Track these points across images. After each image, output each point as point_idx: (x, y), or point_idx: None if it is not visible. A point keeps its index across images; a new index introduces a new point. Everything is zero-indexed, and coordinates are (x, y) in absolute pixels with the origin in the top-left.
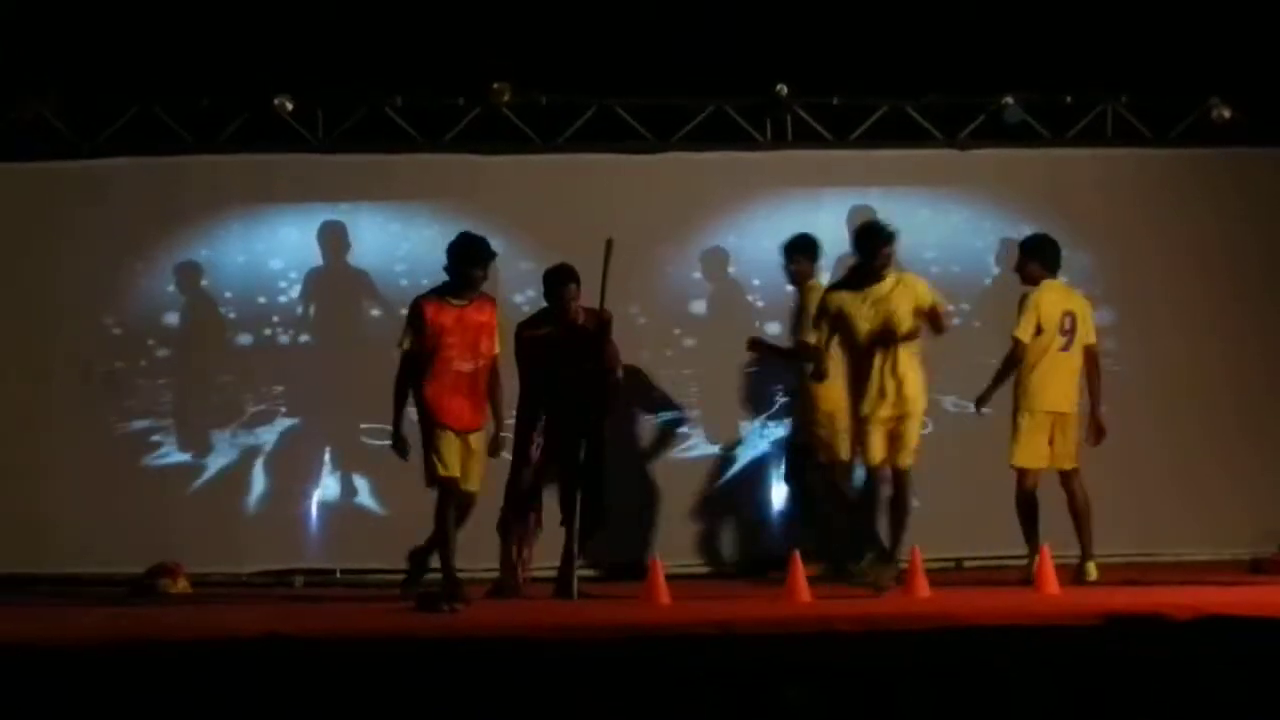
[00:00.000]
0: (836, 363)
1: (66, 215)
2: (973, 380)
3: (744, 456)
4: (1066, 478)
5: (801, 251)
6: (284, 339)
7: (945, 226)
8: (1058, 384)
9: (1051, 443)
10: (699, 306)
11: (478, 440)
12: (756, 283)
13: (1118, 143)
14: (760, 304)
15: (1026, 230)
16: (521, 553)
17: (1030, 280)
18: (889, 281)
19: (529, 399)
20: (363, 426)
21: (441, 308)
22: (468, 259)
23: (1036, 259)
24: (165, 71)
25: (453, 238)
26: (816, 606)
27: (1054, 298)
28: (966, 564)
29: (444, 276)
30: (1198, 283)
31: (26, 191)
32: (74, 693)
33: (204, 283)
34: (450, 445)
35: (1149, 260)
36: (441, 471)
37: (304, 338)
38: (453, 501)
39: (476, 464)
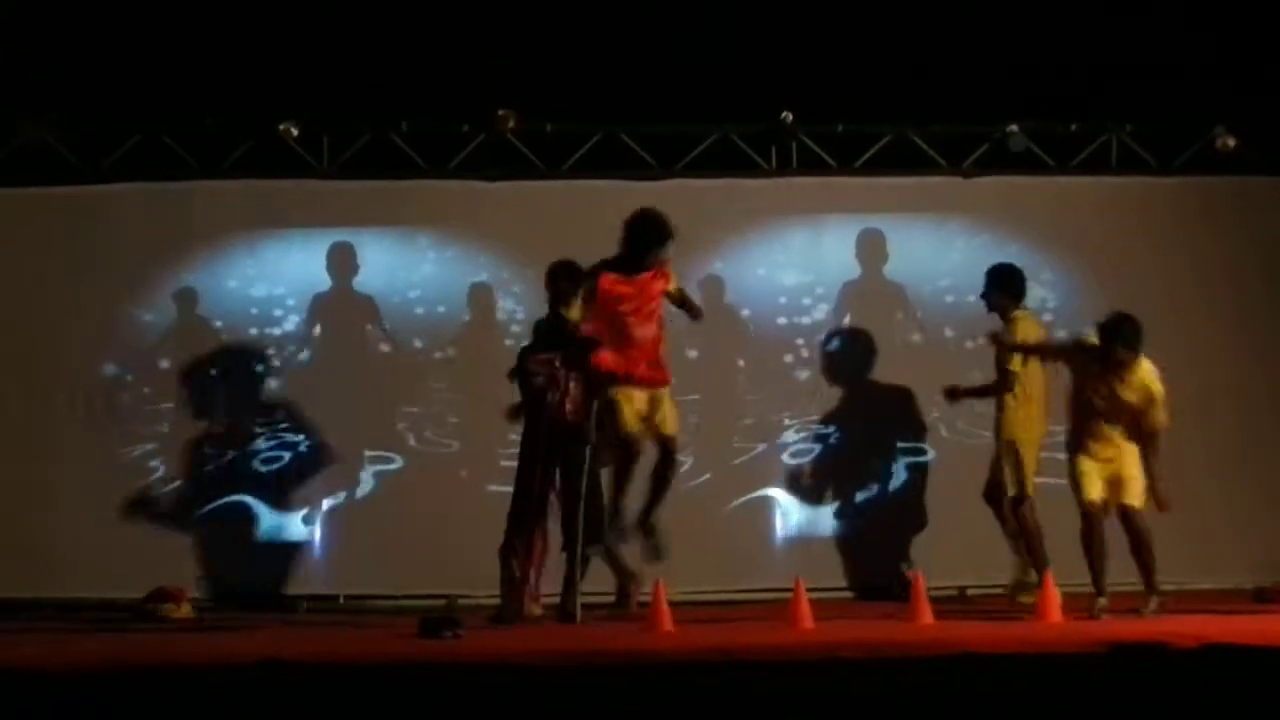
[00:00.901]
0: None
1: (71, 240)
2: (975, 408)
3: (745, 482)
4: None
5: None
6: (288, 364)
7: (950, 254)
8: None
9: None
10: (703, 331)
11: (665, 393)
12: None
13: (1122, 171)
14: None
15: (1031, 258)
16: (529, 577)
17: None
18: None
19: (533, 424)
20: (367, 454)
21: (619, 279)
22: (651, 240)
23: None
24: (170, 97)
25: (637, 215)
26: (819, 633)
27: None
28: (970, 592)
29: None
30: (1201, 311)
31: (31, 216)
32: (75, 718)
33: (207, 308)
34: (630, 405)
35: (1153, 288)
36: (624, 428)
37: (308, 362)
38: (635, 460)
39: (668, 411)
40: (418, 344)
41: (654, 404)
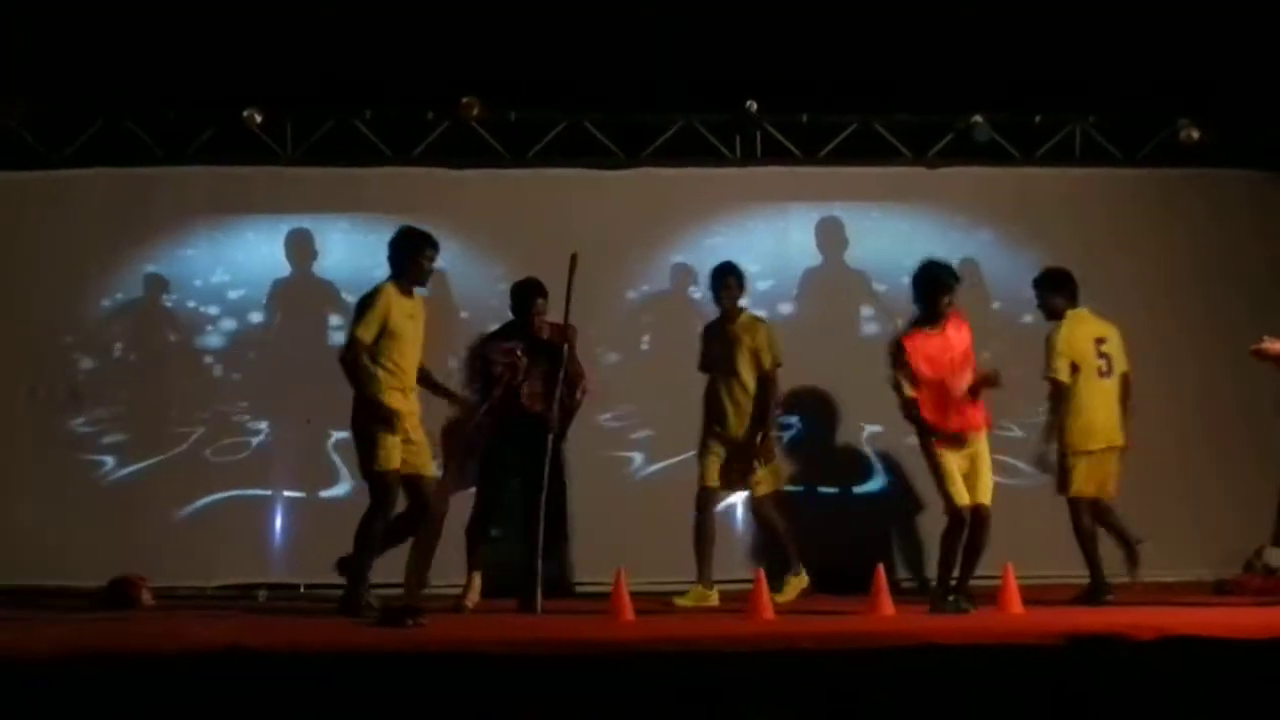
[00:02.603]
0: None
1: (33, 225)
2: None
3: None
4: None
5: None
6: (250, 350)
7: (914, 244)
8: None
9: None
10: (665, 319)
11: (983, 446)
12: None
13: (1086, 162)
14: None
15: (995, 248)
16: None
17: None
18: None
19: (491, 413)
20: (328, 442)
21: (926, 338)
22: (940, 287)
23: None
24: (134, 83)
25: (919, 268)
26: (780, 624)
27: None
28: (932, 584)
29: None
30: (1165, 303)
31: None
32: (36, 704)
33: (169, 294)
34: (953, 467)
35: (1117, 280)
36: (957, 500)
37: (269, 349)
38: (963, 528)
39: (984, 470)
40: None
41: (973, 463)
